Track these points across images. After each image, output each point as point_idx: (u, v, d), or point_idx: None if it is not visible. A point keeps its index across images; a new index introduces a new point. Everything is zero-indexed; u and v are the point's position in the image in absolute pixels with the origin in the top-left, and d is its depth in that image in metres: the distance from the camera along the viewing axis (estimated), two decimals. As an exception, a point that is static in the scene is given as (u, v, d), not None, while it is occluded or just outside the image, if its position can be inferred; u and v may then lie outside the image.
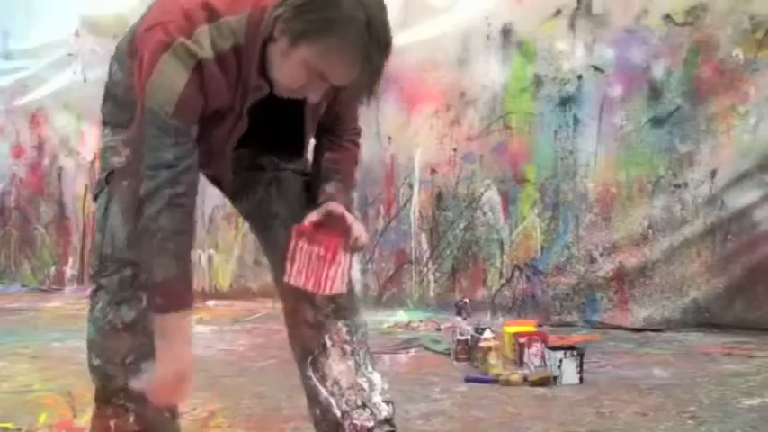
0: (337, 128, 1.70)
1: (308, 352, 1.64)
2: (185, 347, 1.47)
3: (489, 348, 2.77)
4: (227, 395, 2.49)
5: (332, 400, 1.58)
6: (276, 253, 1.63)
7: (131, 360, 1.57)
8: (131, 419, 1.61)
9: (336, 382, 1.58)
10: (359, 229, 1.57)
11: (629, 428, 2.00)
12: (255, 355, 3.31)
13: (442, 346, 3.24)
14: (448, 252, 4.18)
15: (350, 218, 1.57)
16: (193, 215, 1.47)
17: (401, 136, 4.36)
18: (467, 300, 3.29)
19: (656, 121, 3.59)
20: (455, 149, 4.16)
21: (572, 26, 3.81)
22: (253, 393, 2.50)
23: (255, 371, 2.95)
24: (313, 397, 1.61)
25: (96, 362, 1.60)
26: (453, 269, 4.16)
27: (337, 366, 1.59)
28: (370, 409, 1.57)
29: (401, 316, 4.16)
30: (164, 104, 1.36)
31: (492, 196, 4.05)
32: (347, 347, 1.61)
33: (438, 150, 4.21)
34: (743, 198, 3.39)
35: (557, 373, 2.52)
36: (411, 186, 4.33)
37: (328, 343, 1.61)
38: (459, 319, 3.06)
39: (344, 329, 1.61)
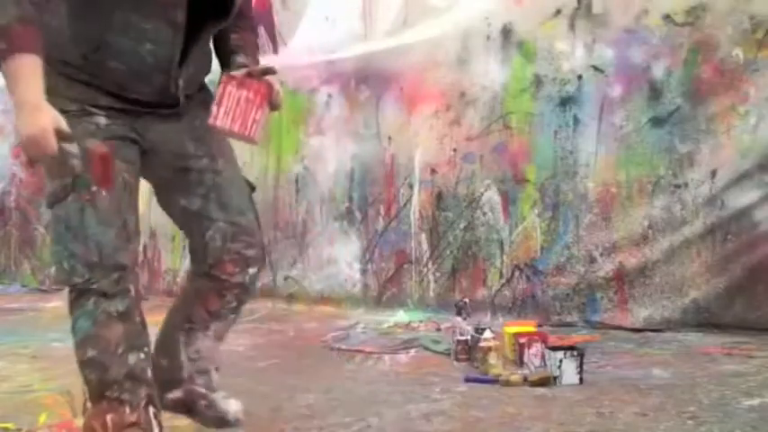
0: (238, 20, 1.86)
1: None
2: (38, 95, 1.48)
3: (489, 348, 2.77)
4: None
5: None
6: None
7: (122, 350, 1.67)
8: (127, 411, 1.66)
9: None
10: (277, 86, 1.74)
11: (629, 428, 2.00)
12: (255, 355, 3.31)
13: (442, 346, 3.24)
14: (448, 252, 4.18)
15: (270, 78, 1.74)
16: None
17: (401, 136, 4.36)
18: (467, 300, 3.29)
19: (656, 121, 3.59)
20: (455, 149, 4.16)
21: (572, 26, 3.81)
22: (253, 393, 2.50)
23: (255, 371, 2.95)
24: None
25: (91, 353, 1.66)
26: (453, 269, 4.16)
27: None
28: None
29: (401, 316, 4.16)
30: None
31: (492, 196, 4.05)
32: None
33: (438, 150, 4.21)
34: (743, 198, 3.39)
35: (557, 373, 2.52)
36: (411, 186, 4.34)
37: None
38: (459, 319, 3.06)
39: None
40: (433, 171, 4.23)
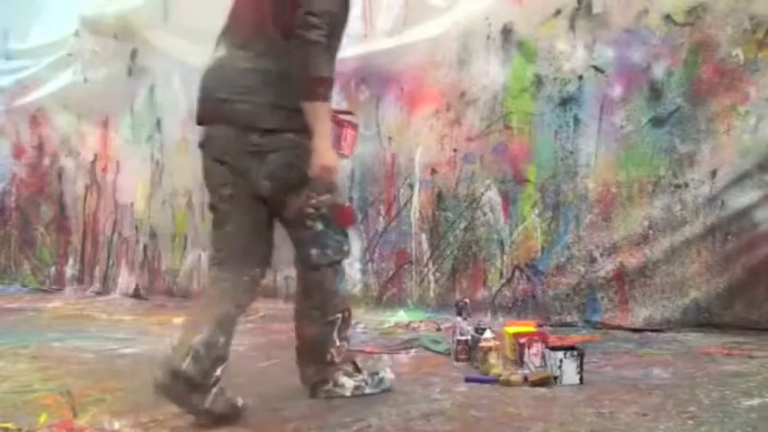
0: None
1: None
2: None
3: (489, 348, 2.77)
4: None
5: None
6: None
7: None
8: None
9: None
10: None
11: (629, 428, 2.00)
12: (256, 355, 3.31)
13: (442, 346, 3.24)
14: (448, 252, 4.18)
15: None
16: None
17: (401, 136, 4.36)
18: (467, 300, 3.29)
19: (657, 122, 3.59)
20: (455, 150, 4.16)
21: (572, 26, 3.80)
22: (253, 393, 2.50)
23: (255, 371, 2.95)
24: None
25: (346, 305, 2.50)
26: (453, 269, 4.16)
27: None
28: None
29: (401, 316, 4.16)
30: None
31: (492, 196, 4.05)
32: None
33: (438, 150, 4.21)
34: (743, 198, 3.39)
35: (557, 373, 2.52)
36: (411, 186, 4.34)
37: None
38: (459, 319, 3.06)
39: None
40: (434, 171, 4.23)
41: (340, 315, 2.44)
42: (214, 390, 2.16)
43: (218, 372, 2.17)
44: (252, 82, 2.22)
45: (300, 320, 2.50)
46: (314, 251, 2.38)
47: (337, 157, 2.27)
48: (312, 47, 2.13)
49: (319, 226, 2.37)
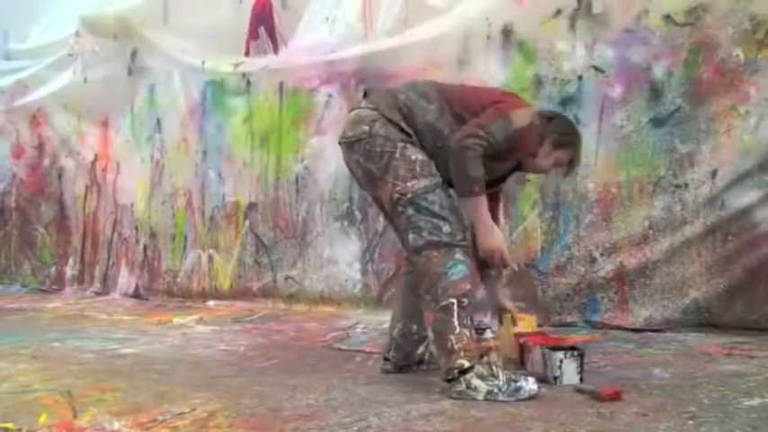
0: None
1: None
2: (491, 221, 2.60)
3: (489, 348, 2.76)
4: (227, 395, 2.49)
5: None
6: None
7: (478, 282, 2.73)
8: (489, 334, 2.52)
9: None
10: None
11: (629, 428, 2.00)
12: (255, 355, 3.31)
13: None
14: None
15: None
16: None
17: (401, 136, 4.35)
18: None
19: (657, 122, 3.59)
20: (455, 149, 4.16)
21: (572, 26, 3.81)
22: (253, 393, 2.50)
23: (255, 371, 2.95)
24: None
25: (467, 287, 2.50)
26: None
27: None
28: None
29: (401, 316, 4.15)
30: (518, 123, 2.54)
31: (492, 196, 4.04)
32: None
33: (438, 150, 4.20)
34: (743, 198, 3.39)
35: (557, 373, 2.52)
36: (411, 186, 4.33)
37: None
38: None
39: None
40: (434, 171, 4.22)
41: (455, 300, 2.41)
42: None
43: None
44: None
45: (423, 310, 2.52)
46: (411, 236, 2.47)
47: (500, 234, 2.64)
48: (468, 151, 2.46)
49: (410, 211, 2.47)
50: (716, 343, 3.16)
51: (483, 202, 2.54)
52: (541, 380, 2.48)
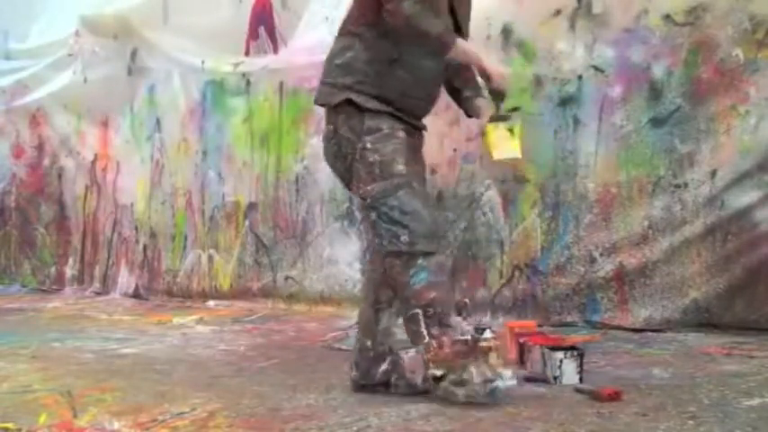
0: None
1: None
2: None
3: (489, 348, 2.76)
4: (227, 395, 2.49)
5: None
6: None
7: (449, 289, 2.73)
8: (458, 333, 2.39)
9: None
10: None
11: (629, 428, 2.00)
12: (255, 355, 3.31)
13: (442, 346, 3.23)
14: (448, 252, 4.17)
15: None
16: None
17: (401, 136, 4.35)
18: (467, 300, 3.29)
19: (656, 122, 3.59)
20: (455, 149, 4.16)
21: (572, 26, 3.80)
22: (253, 393, 2.50)
23: (255, 371, 2.95)
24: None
25: (433, 294, 2.35)
26: (453, 269, 4.15)
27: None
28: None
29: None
30: None
31: (492, 196, 4.04)
32: None
33: (438, 150, 4.20)
34: (743, 198, 3.38)
35: (557, 373, 2.52)
36: (411, 186, 4.33)
37: None
38: (459, 319, 3.05)
39: None
40: (433, 171, 4.21)
41: (420, 311, 2.33)
42: None
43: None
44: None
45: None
46: (376, 240, 2.42)
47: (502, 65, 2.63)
48: (412, 18, 2.34)
49: (373, 215, 2.39)
50: (716, 343, 3.16)
51: (462, 45, 2.46)
52: (541, 380, 2.48)
